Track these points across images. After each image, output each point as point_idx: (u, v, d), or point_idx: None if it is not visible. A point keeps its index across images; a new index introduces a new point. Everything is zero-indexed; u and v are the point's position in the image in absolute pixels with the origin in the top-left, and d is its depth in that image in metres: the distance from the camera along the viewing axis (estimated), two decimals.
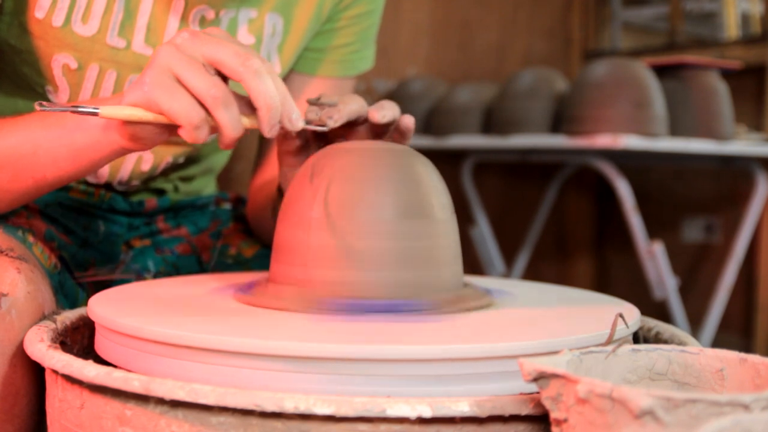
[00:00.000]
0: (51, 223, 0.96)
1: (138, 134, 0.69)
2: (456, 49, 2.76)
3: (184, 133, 0.66)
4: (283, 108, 0.67)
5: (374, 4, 1.01)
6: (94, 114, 0.66)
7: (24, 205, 0.94)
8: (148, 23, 0.87)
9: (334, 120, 0.72)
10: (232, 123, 0.66)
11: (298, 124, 0.69)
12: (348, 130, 0.77)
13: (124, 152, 0.74)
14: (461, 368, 0.55)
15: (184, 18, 0.88)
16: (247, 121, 0.68)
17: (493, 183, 2.81)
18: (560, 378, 0.46)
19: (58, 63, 0.87)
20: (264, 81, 0.66)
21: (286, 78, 1.01)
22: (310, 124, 0.72)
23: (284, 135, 0.76)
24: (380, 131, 0.77)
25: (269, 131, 0.67)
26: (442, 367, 0.55)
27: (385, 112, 0.75)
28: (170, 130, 0.69)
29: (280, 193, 0.84)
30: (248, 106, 0.69)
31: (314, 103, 0.74)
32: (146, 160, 0.97)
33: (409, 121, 0.77)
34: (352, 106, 0.74)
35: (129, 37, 0.87)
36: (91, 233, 1.00)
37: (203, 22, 0.89)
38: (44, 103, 0.66)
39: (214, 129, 0.67)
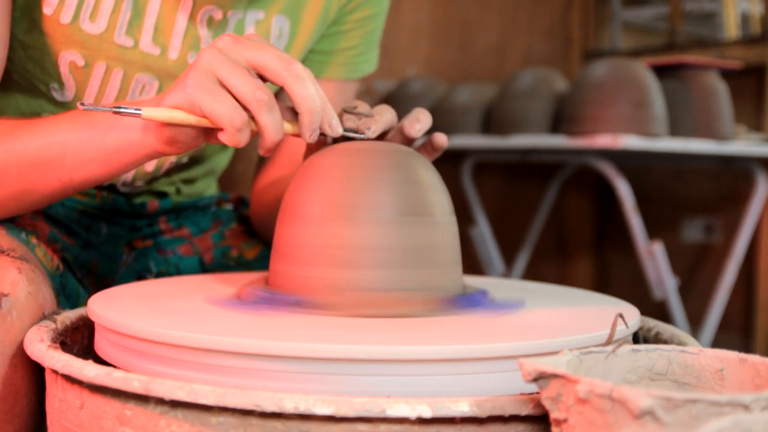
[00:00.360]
0: (54, 225, 0.96)
1: (176, 137, 0.69)
2: (456, 49, 2.76)
3: (225, 136, 0.66)
4: (324, 114, 0.68)
5: (379, 7, 1.01)
6: (137, 115, 0.66)
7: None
8: (156, 23, 0.87)
9: (373, 131, 0.73)
10: (275, 127, 0.66)
11: (337, 129, 0.69)
12: (379, 139, 0.77)
13: (156, 156, 0.73)
14: (461, 368, 0.55)
15: (191, 18, 0.88)
16: (288, 126, 0.69)
17: (493, 183, 2.81)
18: (560, 378, 0.46)
19: (65, 60, 0.87)
20: (306, 86, 0.66)
21: None
22: (348, 132, 0.73)
23: (317, 142, 0.76)
24: (411, 143, 0.78)
25: (310, 136, 0.68)
26: (442, 367, 0.55)
27: (421, 125, 0.75)
28: (209, 133, 0.69)
29: None
30: (287, 112, 0.69)
31: (350, 111, 0.74)
32: (150, 161, 0.97)
33: (442, 139, 0.77)
34: (387, 117, 0.75)
35: (137, 36, 0.87)
36: (94, 234, 1.00)
37: (211, 22, 0.89)
38: (85, 102, 0.66)
39: (255, 132, 0.67)
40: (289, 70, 0.65)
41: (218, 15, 0.89)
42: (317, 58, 1.01)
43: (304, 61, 1.01)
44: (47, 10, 0.84)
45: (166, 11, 0.87)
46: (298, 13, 0.95)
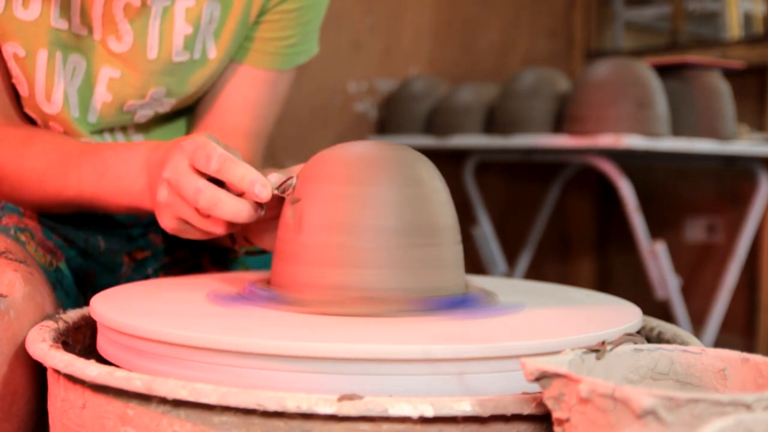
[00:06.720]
0: (49, 229, 0.96)
1: None
2: (458, 48, 2.76)
3: None
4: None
5: None
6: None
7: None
8: (81, 4, 0.88)
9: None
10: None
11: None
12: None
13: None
14: (463, 367, 0.55)
15: (106, 3, 0.88)
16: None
17: (495, 183, 2.81)
18: (562, 378, 0.46)
19: (9, 53, 0.87)
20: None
21: (226, 67, 0.99)
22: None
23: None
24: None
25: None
26: (445, 366, 0.55)
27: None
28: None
29: None
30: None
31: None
32: None
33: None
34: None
35: (69, 17, 0.88)
36: (92, 247, 0.99)
37: (128, 9, 0.89)
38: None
39: None
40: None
41: (136, 2, 0.89)
42: (246, 45, 0.98)
43: (240, 48, 0.98)
44: None
45: None
46: None
